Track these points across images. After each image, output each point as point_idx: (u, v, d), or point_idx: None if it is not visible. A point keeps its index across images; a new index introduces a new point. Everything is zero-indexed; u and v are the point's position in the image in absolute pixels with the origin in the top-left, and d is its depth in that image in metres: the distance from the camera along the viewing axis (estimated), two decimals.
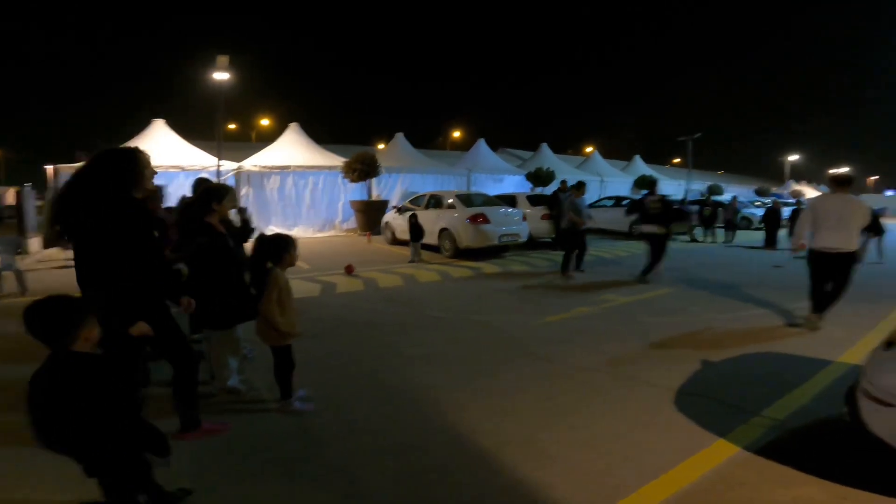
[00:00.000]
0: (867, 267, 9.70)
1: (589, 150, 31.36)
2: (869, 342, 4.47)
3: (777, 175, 45.80)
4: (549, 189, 17.08)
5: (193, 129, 15.44)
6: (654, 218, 7.95)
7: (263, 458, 2.72)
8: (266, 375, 3.39)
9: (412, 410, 3.33)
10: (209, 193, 3.42)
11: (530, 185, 19.53)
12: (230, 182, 13.43)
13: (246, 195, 13.51)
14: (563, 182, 12.89)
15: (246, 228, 4.01)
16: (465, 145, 30.10)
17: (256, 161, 14.16)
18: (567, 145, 39.07)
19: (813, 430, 2.99)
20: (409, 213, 10.30)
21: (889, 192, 45.88)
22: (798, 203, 15.63)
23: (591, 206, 17.08)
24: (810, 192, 42.88)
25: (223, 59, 12.71)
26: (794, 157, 44.60)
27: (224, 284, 3.29)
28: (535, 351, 4.51)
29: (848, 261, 4.96)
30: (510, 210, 11.17)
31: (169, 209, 5.39)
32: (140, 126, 13.93)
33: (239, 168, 13.71)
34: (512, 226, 10.67)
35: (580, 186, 8.86)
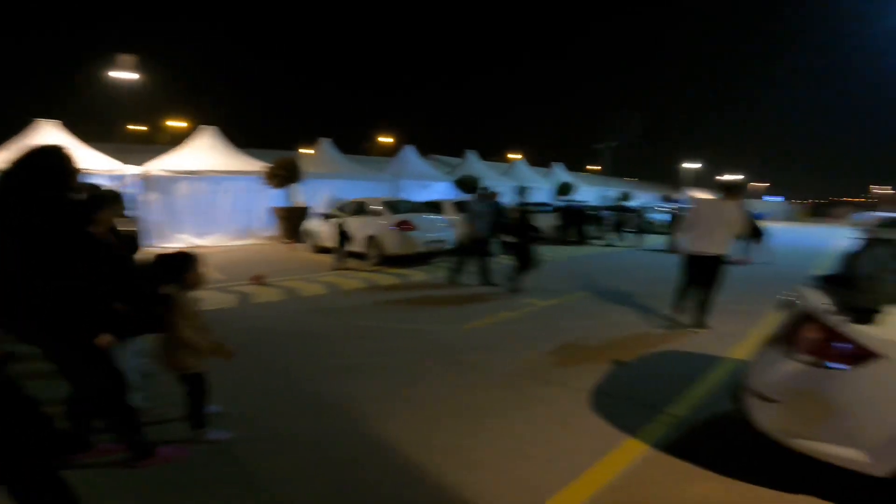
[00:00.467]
0: (759, 266, 10.87)
1: (516, 156, 32.37)
2: (755, 338, 4.96)
3: (682, 181, 50.12)
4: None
5: (94, 131, 13.98)
6: (511, 228, 7.78)
7: (181, 479, 2.55)
8: (170, 390, 3.13)
9: (338, 423, 3.25)
10: (87, 203, 3.10)
11: (458, 191, 19.78)
12: (135, 187, 12.36)
13: (153, 201, 12.46)
14: (486, 188, 13.18)
15: (133, 239, 3.70)
16: (393, 152, 29.92)
17: (165, 165, 13.10)
18: (494, 152, 40.10)
19: (710, 425, 3.26)
20: (337, 220, 9.91)
21: (767, 198, 51.92)
22: None
23: None
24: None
25: (128, 59, 11.72)
26: (693, 165, 49.11)
27: (111, 297, 2.98)
28: (460, 358, 4.54)
29: (716, 263, 5.15)
30: (436, 217, 11.23)
31: None
32: (18, 127, 12.34)
33: (145, 172, 12.61)
34: (438, 232, 10.72)
35: (481, 190, 8.97)
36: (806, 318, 2.46)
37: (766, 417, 2.48)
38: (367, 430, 3.15)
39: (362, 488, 2.53)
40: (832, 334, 2.29)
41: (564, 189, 25.03)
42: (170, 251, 3.00)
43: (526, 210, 8.11)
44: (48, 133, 12.21)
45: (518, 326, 5.68)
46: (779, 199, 52.88)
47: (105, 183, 11.13)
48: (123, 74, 12.04)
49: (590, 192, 27.96)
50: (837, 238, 21.21)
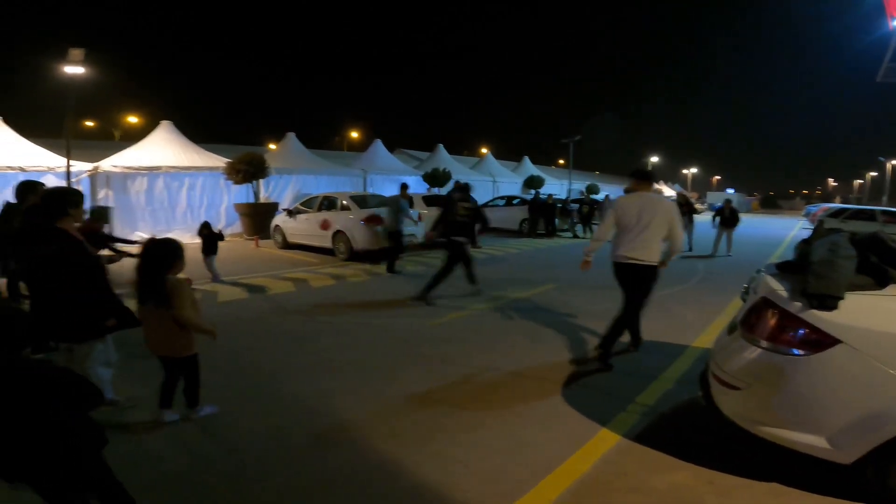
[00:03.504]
0: (719, 258, 11.25)
1: (483, 151, 32.44)
2: (718, 326, 5.11)
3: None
4: (446, 190, 17.35)
5: (41, 127, 13.20)
6: (462, 227, 6.56)
7: (152, 473, 2.56)
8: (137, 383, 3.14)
9: (306, 420, 3.20)
10: (62, 197, 3.05)
11: (427, 185, 19.67)
12: (84, 184, 11.72)
13: (105, 198, 11.86)
14: (457, 182, 13.15)
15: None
16: (362, 146, 29.52)
17: (119, 161, 12.46)
18: (464, 146, 40.15)
19: (681, 414, 3.32)
20: (201, 224, 8.23)
21: (730, 191, 53.86)
22: None
23: (484, 205, 17.74)
24: (667, 191, 48.88)
25: (77, 53, 11.04)
26: (654, 159, 50.53)
27: (89, 293, 2.98)
28: (429, 352, 4.51)
29: (648, 274, 4.16)
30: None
31: None
32: None
33: (95, 169, 11.96)
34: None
35: (403, 188, 9.41)
36: (766, 304, 2.46)
37: (730, 405, 2.51)
38: (338, 425, 3.11)
39: (334, 484, 2.50)
40: (792, 320, 2.30)
41: (533, 183, 25.26)
42: (160, 238, 3.08)
43: (479, 207, 7.04)
44: None
45: (489, 319, 5.68)
46: (730, 191, 54.89)
47: (53, 180, 10.52)
48: (73, 69, 11.39)
49: (557, 185, 28.35)
50: (790, 228, 22.28)
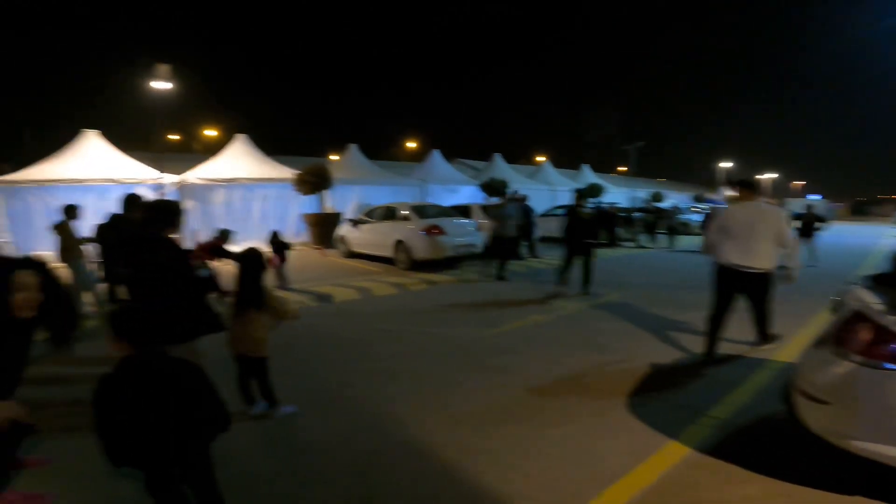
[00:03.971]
0: (804, 269, 10.42)
1: (541, 159, 32.09)
2: (801, 340, 4.79)
3: (712, 181, 48.66)
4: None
5: (129, 139, 14.60)
6: (589, 227, 7.52)
7: (230, 473, 2.66)
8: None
9: (368, 425, 3.29)
10: (172, 209, 3.36)
11: (485, 195, 19.75)
12: (174, 195, 12.82)
13: (191, 210, 12.90)
14: (515, 192, 13.18)
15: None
16: (419, 156, 30.15)
17: (201, 173, 13.54)
18: (521, 155, 39.83)
19: (756, 427, 3.16)
20: (272, 234, 8.63)
21: (811, 197, 49.64)
22: None
23: (543, 215, 17.55)
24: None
25: (164, 68, 12.19)
26: (727, 165, 47.66)
27: (185, 298, 3.23)
28: (488, 361, 4.53)
29: (760, 280, 4.36)
30: (465, 221, 11.25)
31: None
32: (67, 136, 12.97)
33: (182, 181, 13.07)
34: (467, 236, 10.73)
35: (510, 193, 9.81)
36: (858, 318, 2.40)
37: (817, 419, 2.43)
38: (400, 432, 3.18)
39: (396, 491, 2.55)
40: (886, 334, 2.24)
41: (593, 191, 24.66)
42: (249, 249, 3.45)
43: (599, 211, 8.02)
44: (93, 143, 12.80)
45: (549, 330, 5.64)
46: (817, 197, 50.44)
47: (145, 192, 11.61)
48: (161, 84, 12.55)
49: (619, 193, 27.47)
50: (880, 236, 20.23)
